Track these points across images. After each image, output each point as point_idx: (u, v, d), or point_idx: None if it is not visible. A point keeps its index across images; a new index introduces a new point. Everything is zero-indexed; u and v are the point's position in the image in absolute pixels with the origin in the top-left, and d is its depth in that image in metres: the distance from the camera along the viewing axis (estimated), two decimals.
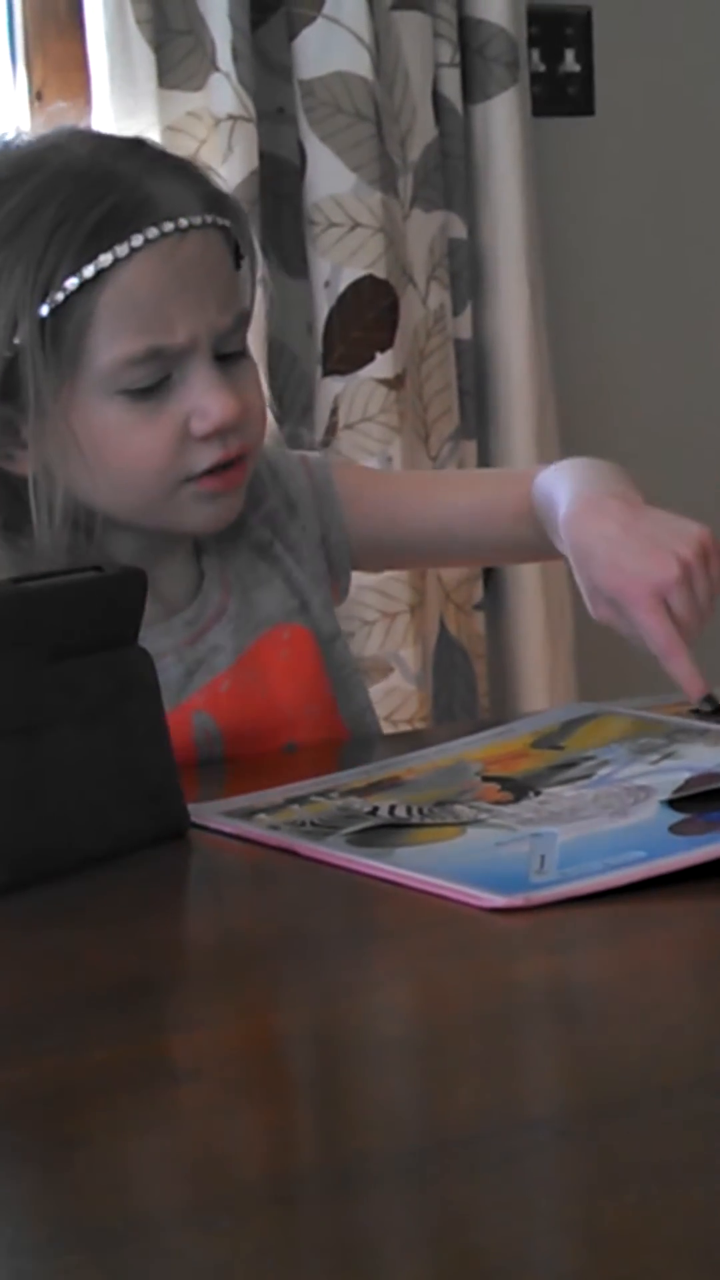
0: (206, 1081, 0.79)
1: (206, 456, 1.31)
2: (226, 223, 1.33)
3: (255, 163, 2.24)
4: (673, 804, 1.09)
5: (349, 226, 2.31)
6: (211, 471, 1.32)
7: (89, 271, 1.26)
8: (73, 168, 1.29)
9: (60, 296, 1.26)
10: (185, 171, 1.34)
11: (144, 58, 2.19)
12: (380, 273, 2.32)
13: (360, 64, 2.29)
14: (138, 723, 1.12)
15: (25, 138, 1.35)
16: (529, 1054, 0.83)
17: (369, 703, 1.50)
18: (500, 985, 0.89)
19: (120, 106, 2.19)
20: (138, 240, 1.27)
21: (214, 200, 1.34)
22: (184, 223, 1.29)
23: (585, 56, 2.68)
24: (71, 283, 1.26)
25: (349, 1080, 0.80)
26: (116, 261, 1.26)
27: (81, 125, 1.40)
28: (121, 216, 1.27)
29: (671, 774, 1.15)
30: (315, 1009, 0.87)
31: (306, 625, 1.42)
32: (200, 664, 1.36)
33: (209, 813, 1.16)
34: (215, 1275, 0.62)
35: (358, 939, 0.99)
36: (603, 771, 1.19)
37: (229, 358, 1.33)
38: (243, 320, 1.34)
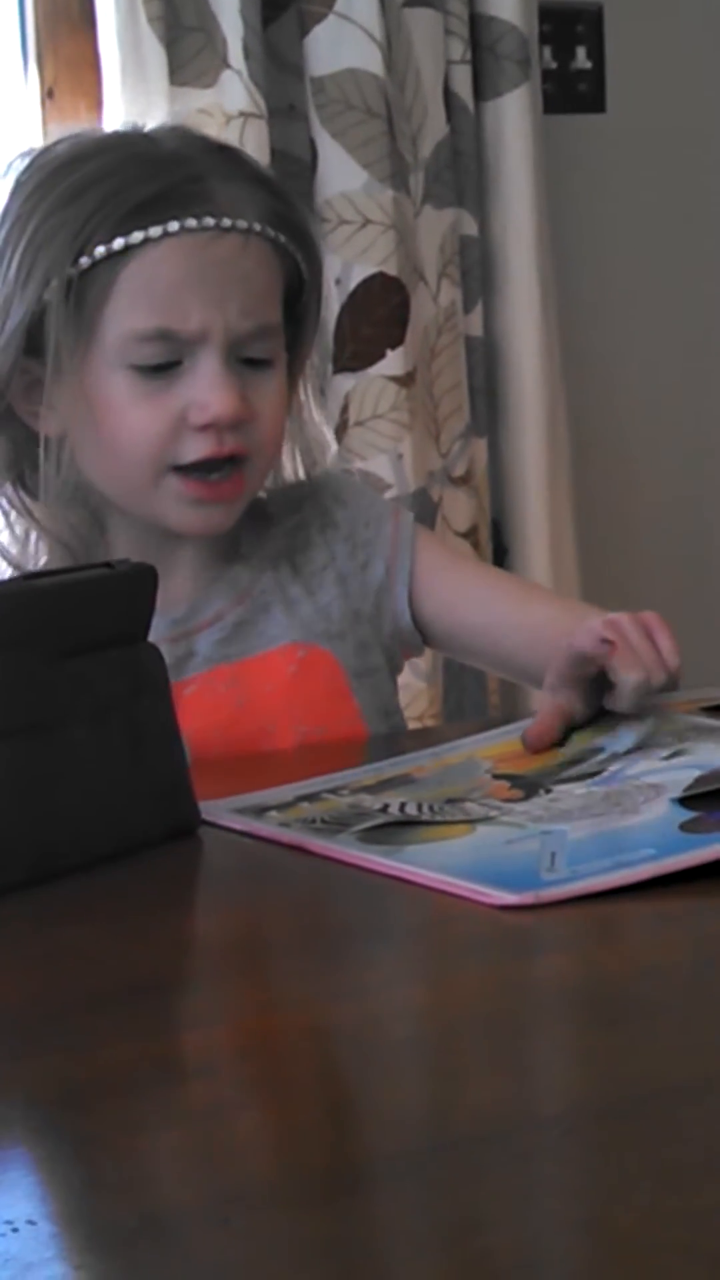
0: (216, 1079, 0.79)
1: (198, 447, 1.34)
2: (280, 237, 1.37)
3: (266, 160, 2.24)
4: (683, 802, 1.09)
5: (360, 224, 2.31)
6: (200, 472, 1.35)
7: (118, 244, 1.32)
8: (150, 152, 1.36)
9: (87, 261, 1.32)
10: (259, 182, 1.39)
11: (155, 55, 2.19)
12: (391, 270, 2.32)
13: (371, 61, 2.29)
14: (148, 720, 1.12)
15: (135, 125, 1.42)
16: (539, 1053, 0.83)
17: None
18: (510, 984, 0.89)
19: (132, 104, 2.18)
20: (173, 226, 1.32)
21: (277, 215, 1.38)
22: (226, 222, 1.34)
23: (597, 54, 2.68)
24: (99, 251, 1.32)
25: (359, 1079, 0.80)
26: (147, 241, 1.32)
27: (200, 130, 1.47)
28: (167, 200, 1.33)
29: (682, 772, 1.15)
30: (325, 1007, 0.87)
31: (331, 650, 1.43)
32: (174, 663, 1.36)
33: (219, 810, 1.16)
34: (225, 1274, 0.61)
35: (367, 937, 0.99)
36: (613, 768, 1.19)
37: (253, 364, 1.36)
38: (267, 332, 1.37)
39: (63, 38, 2.30)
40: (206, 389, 1.34)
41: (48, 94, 2.29)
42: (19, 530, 1.41)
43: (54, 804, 1.06)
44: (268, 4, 2.27)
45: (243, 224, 1.35)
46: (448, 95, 2.40)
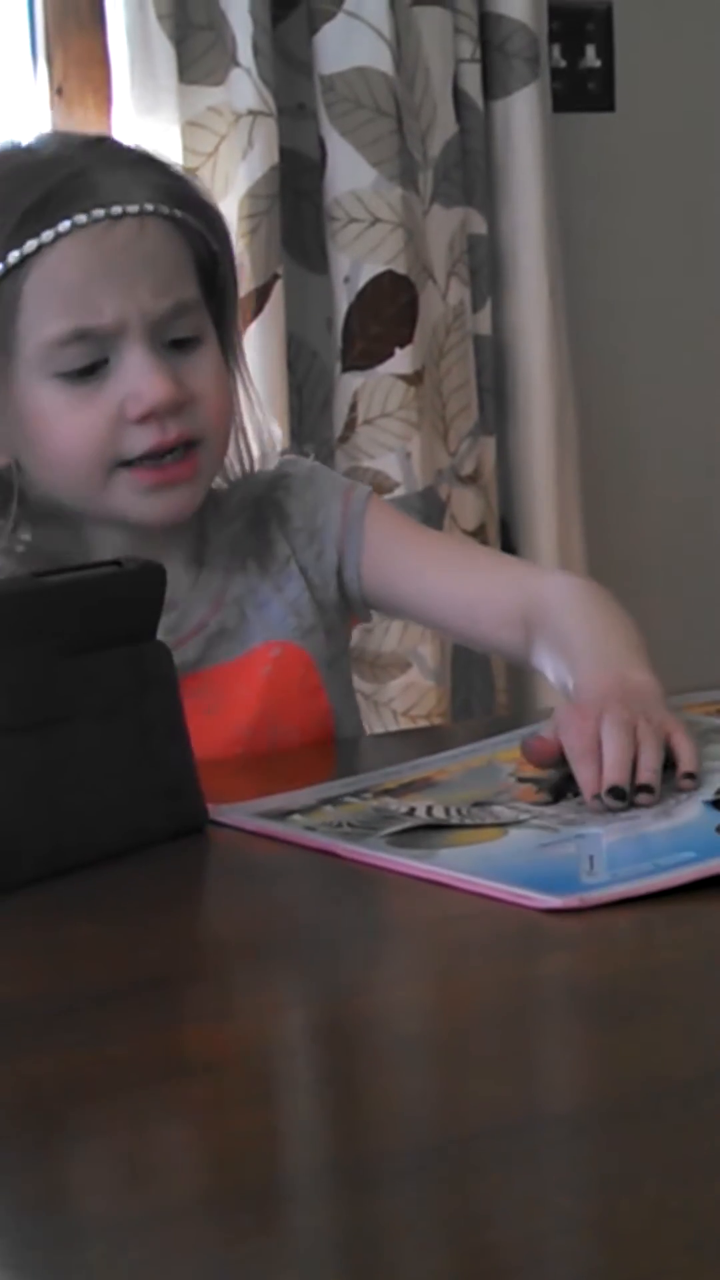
0: (223, 1075, 0.79)
1: (142, 440, 1.32)
2: (176, 213, 1.33)
3: (275, 158, 2.24)
4: (716, 805, 1.09)
5: (369, 222, 2.31)
6: (150, 460, 1.32)
7: (14, 257, 1.29)
8: (28, 162, 1.33)
9: None
10: (144, 163, 1.36)
11: (165, 53, 2.19)
12: (400, 268, 2.32)
13: (381, 59, 2.29)
14: (156, 717, 1.12)
15: (14, 142, 1.37)
16: (546, 1051, 0.83)
17: (360, 729, 1.51)
18: (517, 982, 0.89)
19: (141, 102, 2.19)
20: (64, 225, 1.29)
21: (168, 192, 1.34)
22: (117, 210, 1.30)
23: (606, 52, 2.68)
24: None
25: (366, 1076, 0.80)
26: (42, 247, 1.29)
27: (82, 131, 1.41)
28: (53, 203, 1.29)
29: (712, 775, 1.14)
30: (332, 1004, 0.87)
31: (304, 646, 1.42)
32: None
33: (241, 814, 1.15)
34: (232, 1270, 0.62)
35: (374, 935, 0.99)
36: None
37: (180, 345, 1.33)
38: (186, 308, 1.34)
39: (72, 35, 2.30)
40: (136, 378, 1.31)
41: (57, 92, 2.29)
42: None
43: (62, 800, 1.06)
44: (277, 2, 2.27)
45: (133, 207, 1.31)
46: (457, 94, 2.40)
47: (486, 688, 2.49)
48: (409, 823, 1.11)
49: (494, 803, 1.14)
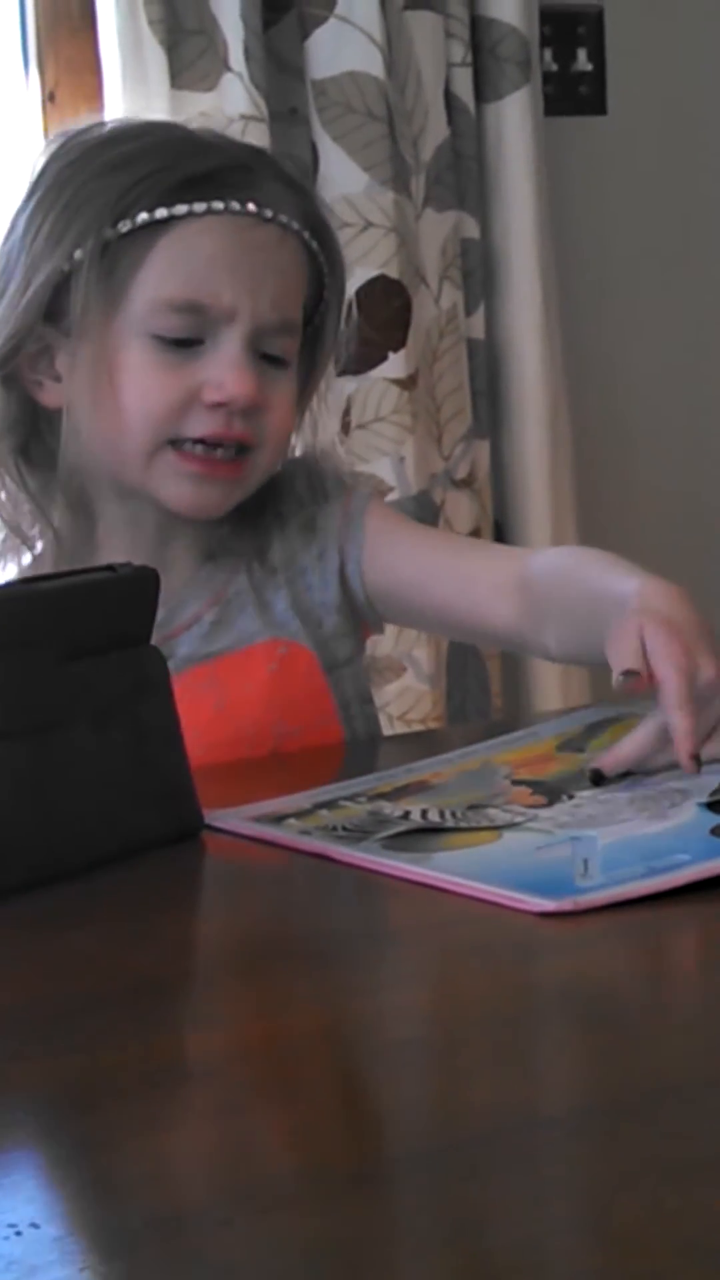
0: (219, 1081, 0.79)
1: (205, 424, 1.35)
2: (313, 244, 1.40)
3: None
4: (711, 806, 1.09)
5: (361, 226, 2.31)
6: (203, 447, 1.35)
7: (160, 213, 1.33)
8: (199, 136, 1.39)
9: (126, 225, 1.33)
10: (299, 187, 1.42)
11: (156, 58, 2.20)
12: (393, 272, 2.32)
13: (372, 64, 2.29)
14: (151, 722, 1.12)
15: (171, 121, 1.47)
16: (542, 1054, 0.83)
17: (378, 732, 1.51)
18: (513, 985, 0.89)
19: (132, 107, 2.19)
20: (218, 205, 1.34)
21: (312, 220, 1.40)
22: (269, 213, 1.36)
23: (597, 56, 2.68)
24: (141, 217, 1.33)
25: (362, 1080, 0.80)
26: (190, 215, 1.34)
27: None
28: (214, 182, 1.35)
29: (707, 777, 1.14)
30: (328, 1008, 0.87)
31: (309, 646, 1.42)
32: None
33: (236, 818, 1.15)
34: (230, 1275, 0.61)
35: (370, 939, 0.99)
36: (636, 775, 1.18)
37: (270, 361, 1.38)
38: (289, 329, 1.39)
39: (63, 40, 2.30)
40: (226, 369, 1.34)
41: (49, 97, 2.29)
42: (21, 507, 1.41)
43: (57, 806, 1.06)
44: (268, 7, 2.27)
45: (284, 219, 1.37)
46: (449, 98, 2.40)
47: (481, 691, 2.49)
48: (404, 826, 1.11)
49: (489, 806, 1.14)
